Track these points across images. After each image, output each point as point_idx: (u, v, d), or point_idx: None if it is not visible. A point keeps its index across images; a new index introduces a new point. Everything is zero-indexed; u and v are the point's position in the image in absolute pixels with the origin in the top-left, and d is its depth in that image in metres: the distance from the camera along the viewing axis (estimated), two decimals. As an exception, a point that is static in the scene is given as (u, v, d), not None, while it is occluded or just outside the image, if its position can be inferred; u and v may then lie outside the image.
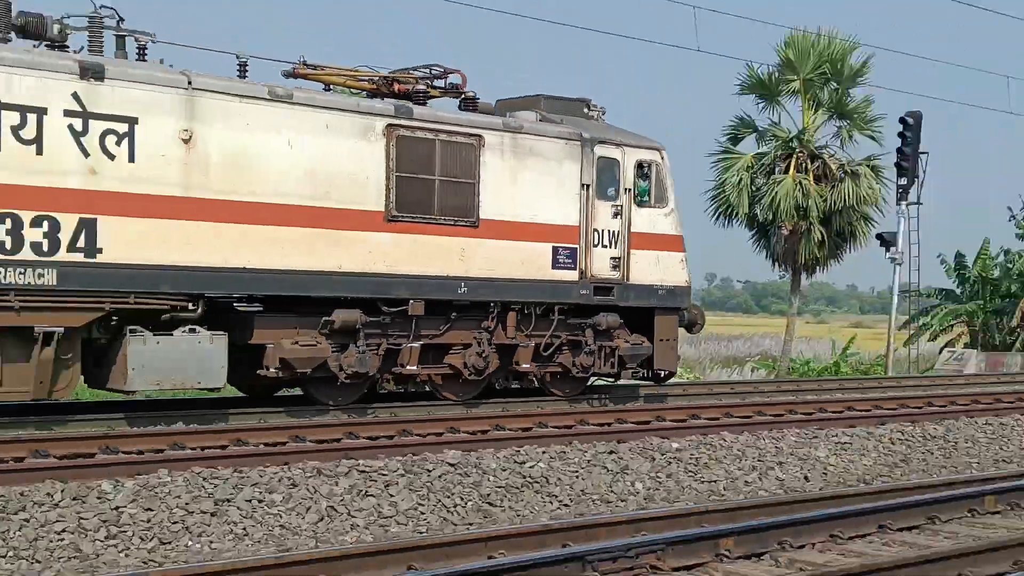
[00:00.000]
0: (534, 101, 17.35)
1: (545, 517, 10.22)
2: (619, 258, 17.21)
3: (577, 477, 11.43)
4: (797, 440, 13.94)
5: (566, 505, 10.77)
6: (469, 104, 16.52)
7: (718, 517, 9.20)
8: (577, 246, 16.79)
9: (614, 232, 17.19)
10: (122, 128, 12.97)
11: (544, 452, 11.99)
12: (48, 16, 13.23)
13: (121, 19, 13.75)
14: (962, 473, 12.93)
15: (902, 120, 25.64)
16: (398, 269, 15.03)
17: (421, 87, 16.09)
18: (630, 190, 17.31)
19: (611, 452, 12.31)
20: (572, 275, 16.75)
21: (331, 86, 15.67)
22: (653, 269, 17.63)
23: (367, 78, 16.06)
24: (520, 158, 16.27)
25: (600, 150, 17.01)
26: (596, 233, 16.98)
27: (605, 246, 17.09)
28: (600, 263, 17.03)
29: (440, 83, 16.48)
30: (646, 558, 7.83)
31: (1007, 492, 10.57)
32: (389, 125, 14.97)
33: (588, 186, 16.83)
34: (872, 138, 31.20)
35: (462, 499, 10.35)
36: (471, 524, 9.88)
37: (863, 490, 10.88)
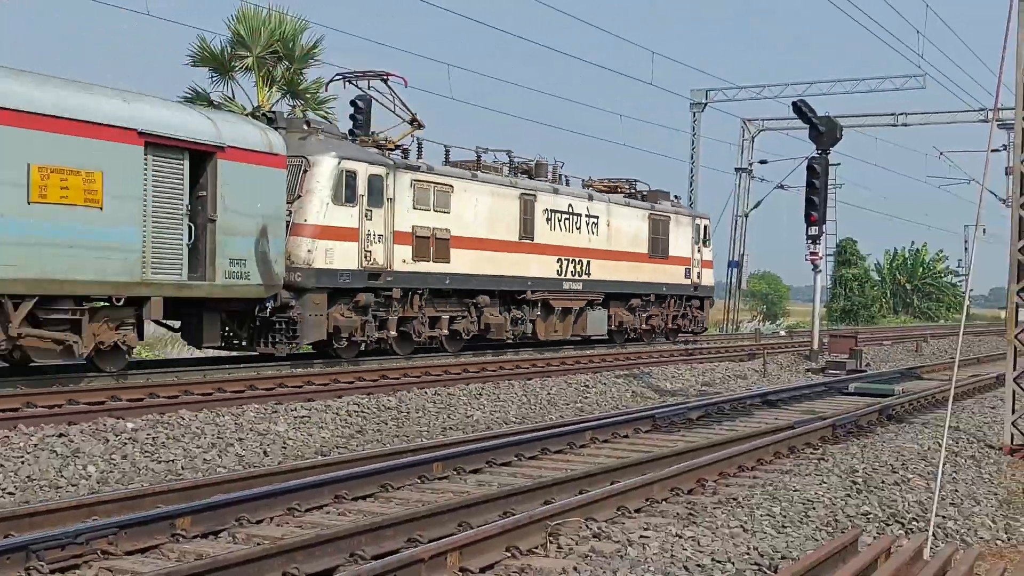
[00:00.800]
0: (661, 194, 35.22)
1: (-15, 508, 9.44)
2: (699, 272, 36.30)
3: (23, 463, 10.69)
4: (257, 415, 13.97)
5: (11, 493, 10.02)
6: (652, 197, 34.58)
7: (175, 497, 8.96)
8: (690, 267, 35.62)
9: (698, 260, 36.14)
10: (594, 221, 30.69)
11: (-16, 438, 11.11)
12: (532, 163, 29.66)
13: (562, 163, 30.80)
14: (413, 442, 13.55)
15: (353, 103, 26.37)
16: (648, 280, 33.18)
17: (641, 191, 34.38)
18: (702, 239, 36.53)
19: (61, 435, 11.65)
20: (688, 282, 35.58)
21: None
22: (706, 277, 37.19)
23: (607, 187, 32.75)
24: (678, 225, 35.03)
25: (697, 220, 36.52)
26: (694, 260, 35.89)
27: (695, 267, 35.96)
28: (695, 275, 35.90)
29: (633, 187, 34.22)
30: (97, 543, 7.47)
31: (452, 458, 11.23)
32: (649, 214, 33.47)
33: (693, 238, 35.89)
34: (326, 119, 31.90)
35: None
36: None
37: (319, 462, 11.07)
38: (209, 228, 18.73)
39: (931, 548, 8.16)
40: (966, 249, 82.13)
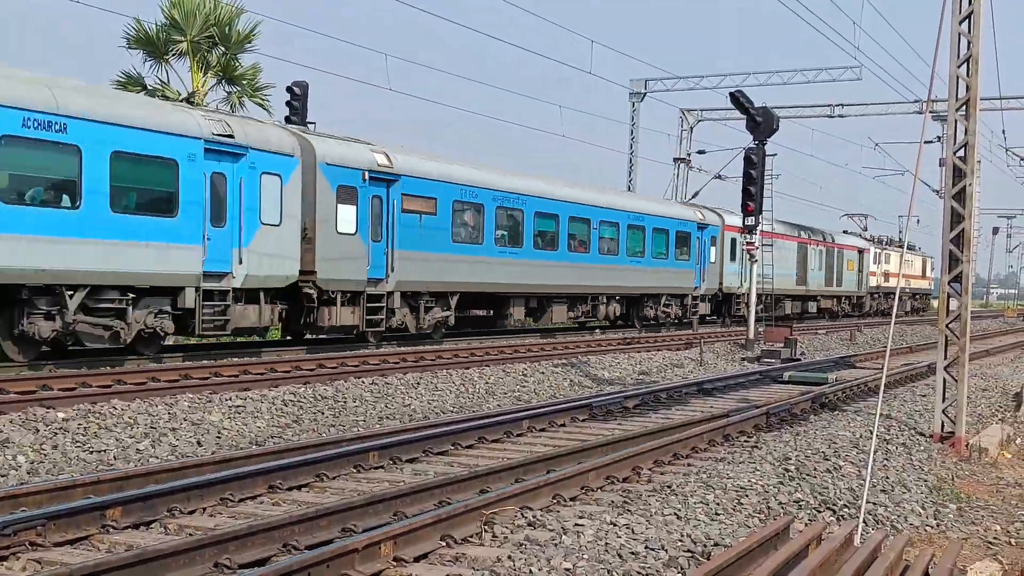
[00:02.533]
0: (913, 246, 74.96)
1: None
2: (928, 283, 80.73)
3: (-52, 454, 10.49)
4: (191, 405, 13.82)
5: (-65, 485, 9.84)
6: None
7: (105, 487, 8.85)
8: (928, 280, 79.23)
9: (926, 277, 79.85)
10: (910, 261, 73.80)
11: (-91, 428, 10.89)
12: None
13: (889, 237, 71.85)
14: (349, 431, 13.48)
15: (289, 89, 26.13)
16: (919, 287, 79.91)
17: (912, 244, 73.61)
18: (928, 266, 77.58)
19: (-11, 425, 11.44)
20: (926, 286, 79.45)
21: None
22: (927, 284, 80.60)
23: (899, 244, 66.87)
24: (921, 260, 77.38)
25: (925, 257, 79.35)
26: (930, 277, 79.96)
27: (926, 280, 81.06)
28: (925, 284, 79.63)
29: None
30: (25, 535, 7.36)
31: (389, 447, 11.19)
32: (921, 258, 77.52)
33: (927, 266, 79.85)
34: (261, 105, 31.65)
35: None
36: None
37: (254, 452, 10.98)
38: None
39: (861, 534, 8.27)
40: (900, 240, 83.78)
